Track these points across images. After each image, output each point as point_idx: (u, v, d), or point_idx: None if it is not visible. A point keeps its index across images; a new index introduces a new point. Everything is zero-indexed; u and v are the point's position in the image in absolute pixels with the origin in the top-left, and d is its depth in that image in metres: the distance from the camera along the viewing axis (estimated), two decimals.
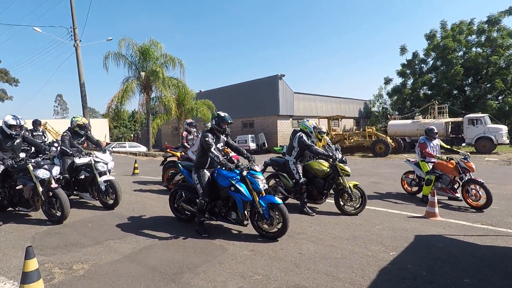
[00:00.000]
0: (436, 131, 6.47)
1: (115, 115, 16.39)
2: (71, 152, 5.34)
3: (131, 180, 8.95)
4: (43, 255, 3.51)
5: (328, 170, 5.23)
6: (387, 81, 31.87)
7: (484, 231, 4.39)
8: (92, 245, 3.80)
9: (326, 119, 23.72)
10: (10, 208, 5.10)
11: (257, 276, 2.98)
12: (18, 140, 4.98)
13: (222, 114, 4.34)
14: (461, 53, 26.86)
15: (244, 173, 3.99)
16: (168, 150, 7.49)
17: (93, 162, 5.45)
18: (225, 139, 4.46)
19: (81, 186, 5.61)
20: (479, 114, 18.44)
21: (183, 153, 7.24)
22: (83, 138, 5.99)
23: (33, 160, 4.60)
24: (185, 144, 7.79)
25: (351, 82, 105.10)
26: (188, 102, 17.17)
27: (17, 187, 4.55)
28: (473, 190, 5.61)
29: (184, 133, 7.93)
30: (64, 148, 5.48)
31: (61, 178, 5.18)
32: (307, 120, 5.75)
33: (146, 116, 16.94)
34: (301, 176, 5.28)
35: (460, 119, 19.56)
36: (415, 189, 6.85)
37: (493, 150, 16.84)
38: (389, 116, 23.71)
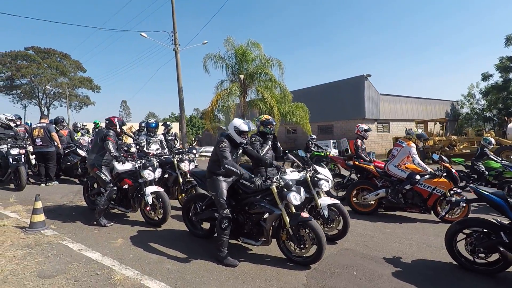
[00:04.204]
0: None
1: (213, 118, 15.73)
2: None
3: None
4: None
5: None
6: (486, 77, 27.78)
7: None
8: None
9: (422, 123, 21.06)
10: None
11: None
12: (240, 151, 3.86)
13: None
14: None
15: None
16: (355, 162, 6.03)
17: (309, 179, 4.18)
18: None
19: None
20: None
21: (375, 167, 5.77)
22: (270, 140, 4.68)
23: (274, 178, 3.39)
24: (361, 154, 6.33)
25: (433, 81, 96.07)
26: (288, 104, 15.95)
27: (265, 216, 3.37)
28: None
29: (359, 142, 6.48)
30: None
31: None
32: None
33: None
34: None
35: None
36: None
37: None
38: (506, 118, 20.29)
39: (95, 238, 4.03)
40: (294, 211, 3.45)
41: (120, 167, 4.66)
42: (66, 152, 7.55)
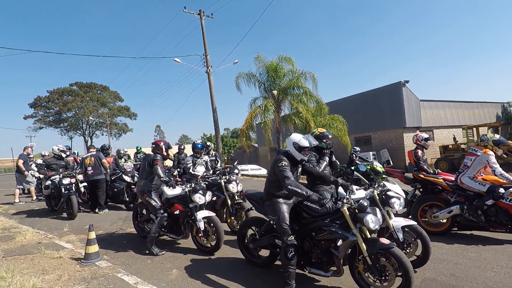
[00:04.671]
0: None
1: (247, 136, 15.58)
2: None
3: None
4: None
5: None
6: None
7: None
8: None
9: (472, 129, 19.36)
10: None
11: None
12: (300, 169, 3.52)
13: None
14: None
15: None
16: (420, 176, 5.39)
17: (377, 197, 3.69)
18: None
19: None
20: None
21: (444, 180, 5.11)
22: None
23: (345, 199, 2.97)
24: (424, 166, 5.67)
25: (481, 85, 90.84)
26: (324, 117, 15.46)
27: (337, 243, 2.96)
28: None
29: (420, 152, 5.83)
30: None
31: None
32: None
33: (277, 136, 15.76)
34: None
35: None
36: None
37: None
38: None
39: (149, 269, 3.81)
40: (369, 236, 3.00)
41: (169, 191, 4.49)
42: (112, 178, 7.65)
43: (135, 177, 7.79)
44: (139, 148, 12.31)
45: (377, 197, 3.71)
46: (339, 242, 2.93)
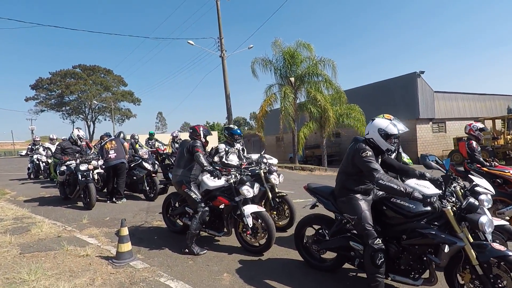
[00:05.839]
0: None
1: (262, 124, 14.95)
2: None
3: None
4: None
5: None
6: None
7: None
8: None
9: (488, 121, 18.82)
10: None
11: None
12: (380, 161, 2.99)
13: None
14: None
15: None
16: (487, 169, 4.85)
17: (459, 193, 3.16)
18: None
19: None
20: None
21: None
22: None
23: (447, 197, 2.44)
24: (480, 158, 5.13)
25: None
26: (341, 106, 14.87)
27: (444, 249, 2.44)
28: None
29: (474, 144, 5.29)
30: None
31: None
32: None
33: (292, 125, 15.15)
34: None
35: None
36: None
37: None
38: None
39: (195, 273, 3.29)
40: (471, 239, 2.48)
41: (211, 183, 3.95)
42: (131, 165, 7.09)
43: (156, 165, 7.26)
44: (152, 133, 11.72)
45: (460, 193, 3.19)
46: (446, 249, 2.41)
